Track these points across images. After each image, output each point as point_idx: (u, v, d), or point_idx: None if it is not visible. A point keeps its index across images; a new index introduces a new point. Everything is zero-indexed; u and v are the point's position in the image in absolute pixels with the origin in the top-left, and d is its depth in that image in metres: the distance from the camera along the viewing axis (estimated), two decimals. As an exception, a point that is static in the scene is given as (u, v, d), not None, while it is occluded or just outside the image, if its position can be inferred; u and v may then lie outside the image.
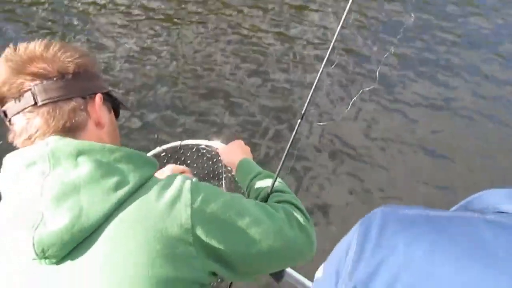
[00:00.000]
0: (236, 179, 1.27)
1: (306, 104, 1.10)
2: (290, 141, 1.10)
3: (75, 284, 0.72)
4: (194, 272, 0.77)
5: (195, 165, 1.55)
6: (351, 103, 3.86)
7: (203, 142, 1.51)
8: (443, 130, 3.91)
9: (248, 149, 1.33)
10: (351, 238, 0.56)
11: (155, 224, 0.74)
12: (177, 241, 0.75)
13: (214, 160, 1.57)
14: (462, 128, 3.96)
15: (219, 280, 1.49)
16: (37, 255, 0.71)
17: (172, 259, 0.74)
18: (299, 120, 1.12)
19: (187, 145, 1.52)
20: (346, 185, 3.39)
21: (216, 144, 1.48)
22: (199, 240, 0.77)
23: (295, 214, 0.97)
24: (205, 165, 1.60)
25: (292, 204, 1.02)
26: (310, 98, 1.08)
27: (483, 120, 4.04)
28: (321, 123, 3.72)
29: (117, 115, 0.99)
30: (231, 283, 1.29)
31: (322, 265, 0.66)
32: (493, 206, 0.48)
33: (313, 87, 1.08)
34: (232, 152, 1.32)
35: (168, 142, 1.55)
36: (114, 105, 0.97)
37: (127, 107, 1.03)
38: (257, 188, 1.10)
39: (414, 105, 4.16)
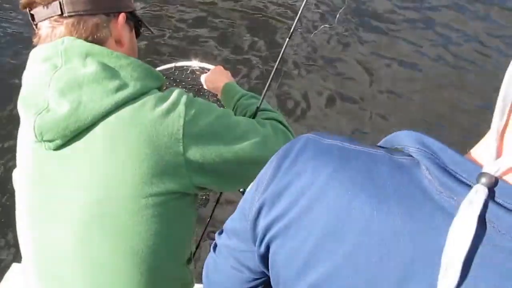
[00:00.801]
0: (222, 102, 1.29)
1: (294, 23, 1.04)
2: (278, 60, 1.07)
3: (66, 171, 0.80)
4: (180, 181, 0.81)
5: (190, 86, 1.62)
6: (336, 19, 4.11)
7: (196, 64, 1.54)
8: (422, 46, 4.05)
9: (228, 73, 1.36)
10: (273, 159, 0.58)
11: (147, 129, 0.78)
12: (166, 149, 0.79)
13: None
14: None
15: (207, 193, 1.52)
16: (36, 137, 0.79)
17: (159, 165, 0.79)
18: (287, 39, 1.08)
19: (182, 66, 1.58)
20: (333, 107, 3.55)
21: (209, 66, 1.50)
22: (188, 151, 0.81)
23: (281, 129, 1.01)
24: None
25: (278, 121, 1.04)
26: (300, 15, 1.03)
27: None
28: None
29: (137, 34, 1.02)
30: (219, 196, 1.32)
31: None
32: (402, 147, 0.50)
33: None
34: (215, 79, 1.35)
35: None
36: (136, 24, 1.00)
37: (149, 28, 1.06)
38: (244, 108, 1.12)
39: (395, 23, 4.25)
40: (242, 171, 0.90)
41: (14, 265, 1.87)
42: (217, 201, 1.33)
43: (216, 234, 0.70)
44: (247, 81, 3.66)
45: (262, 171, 0.60)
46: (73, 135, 0.79)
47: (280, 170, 0.54)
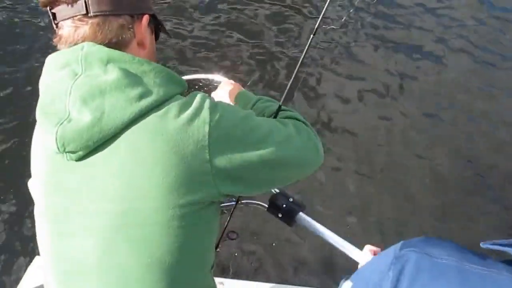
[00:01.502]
0: None
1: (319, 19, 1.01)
2: (301, 58, 1.04)
3: (89, 182, 0.78)
4: (207, 190, 0.80)
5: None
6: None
7: (204, 76, 1.50)
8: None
9: (238, 85, 1.33)
10: (382, 277, 0.57)
11: (172, 138, 0.76)
12: (192, 157, 0.77)
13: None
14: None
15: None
16: (58, 148, 0.76)
17: (186, 174, 0.77)
18: (311, 36, 1.05)
19: (190, 79, 1.50)
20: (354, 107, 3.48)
21: (216, 77, 1.47)
22: (215, 157, 0.79)
23: (304, 127, 0.99)
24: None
25: (299, 119, 1.03)
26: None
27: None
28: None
29: (156, 38, 1.00)
30: (238, 198, 1.31)
31: (349, 282, 0.66)
32: None
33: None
34: (225, 92, 1.30)
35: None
36: (156, 28, 0.98)
37: (168, 33, 1.05)
38: (261, 110, 1.09)
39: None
40: (268, 174, 0.89)
41: (37, 259, 1.89)
42: (237, 201, 1.31)
43: None
44: (268, 81, 3.62)
45: (366, 284, 0.60)
46: (97, 146, 0.77)
47: None
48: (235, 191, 0.86)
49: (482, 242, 0.56)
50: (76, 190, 0.80)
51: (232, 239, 1.47)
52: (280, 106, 1.04)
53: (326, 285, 1.59)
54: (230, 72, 3.56)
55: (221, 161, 0.80)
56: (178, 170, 0.76)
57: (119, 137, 0.77)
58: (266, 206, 1.36)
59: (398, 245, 0.61)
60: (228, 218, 1.34)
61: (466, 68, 3.91)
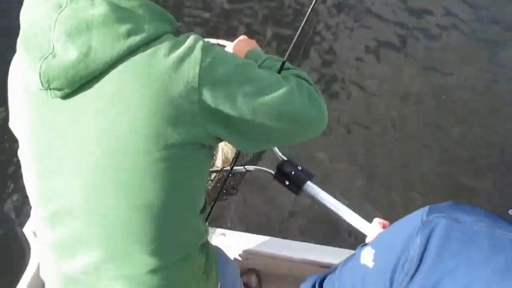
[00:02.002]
0: None
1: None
2: (305, 18, 0.96)
3: (75, 121, 0.75)
4: (195, 132, 0.77)
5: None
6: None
7: (212, 40, 1.41)
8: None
9: (253, 42, 1.26)
10: (409, 242, 0.54)
11: (161, 77, 0.73)
12: (181, 98, 0.74)
13: None
14: None
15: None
16: (42, 85, 0.73)
17: (174, 115, 0.74)
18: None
19: None
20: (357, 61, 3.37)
21: (225, 42, 1.40)
22: (204, 100, 0.76)
23: (306, 85, 0.92)
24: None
25: (303, 78, 0.96)
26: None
27: None
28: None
29: None
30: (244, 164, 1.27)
31: (370, 249, 0.63)
32: None
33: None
34: (238, 48, 1.24)
35: None
36: None
37: None
38: (267, 68, 1.02)
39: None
40: (263, 127, 0.83)
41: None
42: (237, 157, 1.27)
43: None
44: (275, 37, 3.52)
45: (391, 250, 0.56)
46: (82, 83, 0.74)
47: (424, 263, 0.51)
48: (224, 135, 0.82)
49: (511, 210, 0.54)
50: (61, 130, 0.77)
51: (232, 195, 1.46)
52: (284, 63, 0.97)
53: (329, 243, 1.59)
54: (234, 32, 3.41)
55: (211, 104, 0.76)
56: (165, 111, 0.73)
57: (105, 75, 0.73)
58: (273, 172, 1.32)
59: (425, 209, 0.58)
60: (229, 173, 1.30)
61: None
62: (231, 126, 0.80)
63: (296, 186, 1.26)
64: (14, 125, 0.87)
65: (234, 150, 1.32)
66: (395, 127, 3.10)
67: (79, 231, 0.82)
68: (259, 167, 1.36)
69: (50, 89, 0.74)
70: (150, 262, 0.84)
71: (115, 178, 0.76)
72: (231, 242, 1.59)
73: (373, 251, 0.62)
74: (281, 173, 1.28)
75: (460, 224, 0.51)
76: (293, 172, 1.27)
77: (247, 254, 1.61)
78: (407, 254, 0.54)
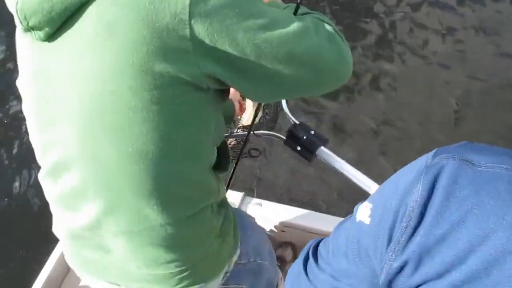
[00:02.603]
0: None
1: None
2: None
3: (61, 64, 0.71)
4: (188, 70, 0.69)
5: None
6: None
7: None
8: None
9: None
10: (409, 189, 0.44)
11: (145, 8, 0.65)
12: (168, 32, 0.66)
13: None
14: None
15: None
16: (21, 23, 0.70)
17: (161, 51, 0.66)
18: None
19: None
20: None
21: None
22: (197, 35, 0.67)
23: (326, 25, 0.78)
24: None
25: (323, 20, 0.81)
26: None
27: None
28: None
29: None
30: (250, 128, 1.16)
31: (367, 204, 0.53)
32: None
33: None
34: None
35: None
36: None
37: None
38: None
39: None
40: (269, 71, 0.71)
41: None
42: (253, 122, 1.16)
43: (310, 254, 0.61)
44: None
45: (388, 202, 0.47)
46: (62, 20, 0.69)
47: (427, 215, 0.41)
48: (221, 75, 0.71)
49: None
50: (52, 77, 0.73)
51: (254, 157, 1.39)
52: (298, 5, 0.83)
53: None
54: None
55: (204, 38, 0.67)
56: (151, 45, 0.66)
57: (86, 10, 0.67)
58: (284, 138, 1.21)
59: (431, 152, 0.46)
60: (241, 147, 1.20)
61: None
62: (232, 68, 0.70)
63: (309, 152, 1.16)
64: (19, 81, 0.83)
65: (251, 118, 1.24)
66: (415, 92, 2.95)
67: (78, 184, 0.78)
68: (268, 132, 1.27)
69: (31, 30, 0.70)
70: (150, 217, 0.78)
71: (105, 122, 0.70)
72: (267, 213, 1.53)
73: (370, 205, 0.51)
74: (293, 137, 1.18)
75: (474, 166, 0.41)
76: (305, 137, 1.16)
77: (283, 226, 1.54)
78: (405, 206, 0.44)
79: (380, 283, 0.47)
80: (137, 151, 0.71)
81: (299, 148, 1.17)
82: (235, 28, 0.67)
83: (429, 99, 2.94)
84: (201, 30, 0.66)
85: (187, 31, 0.66)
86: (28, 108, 0.81)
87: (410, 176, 0.45)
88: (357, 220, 0.52)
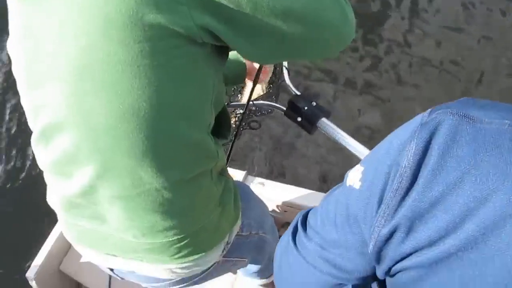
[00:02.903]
0: None
1: None
2: None
3: (52, 19, 0.67)
4: (180, 22, 0.64)
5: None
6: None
7: None
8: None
9: None
10: (402, 149, 0.41)
11: None
12: None
13: None
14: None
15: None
16: None
17: (154, 5, 0.62)
18: None
19: None
20: None
21: None
22: None
23: None
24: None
25: None
26: None
27: None
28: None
29: None
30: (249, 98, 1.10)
31: (359, 167, 0.50)
32: None
33: None
34: None
35: None
36: None
37: None
38: None
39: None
40: (266, 27, 0.68)
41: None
42: (248, 102, 1.13)
43: (299, 224, 0.59)
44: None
45: (380, 164, 0.44)
46: None
47: (421, 176, 0.38)
48: (222, 32, 0.68)
49: None
50: (39, 31, 0.70)
51: (254, 129, 1.37)
52: None
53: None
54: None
55: None
56: None
57: None
58: (284, 108, 1.19)
59: (428, 110, 0.42)
60: (241, 118, 1.18)
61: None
62: (228, 21, 0.67)
63: (309, 123, 1.13)
64: (8, 42, 0.79)
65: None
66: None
67: (69, 146, 0.75)
68: (268, 102, 1.24)
69: None
70: (145, 180, 0.75)
71: (94, 78, 0.67)
72: (270, 193, 1.52)
73: (362, 168, 0.48)
74: (293, 108, 1.15)
75: (474, 122, 0.37)
76: (306, 107, 1.14)
77: (286, 206, 1.53)
78: (397, 167, 0.41)
79: (369, 252, 0.44)
80: (128, 108, 0.68)
81: (299, 119, 1.14)
82: None
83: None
84: None
85: None
86: (17, 69, 0.77)
87: (404, 136, 0.42)
88: (347, 185, 0.49)
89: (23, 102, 0.80)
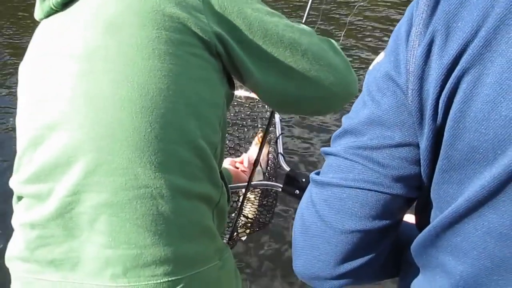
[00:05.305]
0: None
1: None
2: None
3: (73, 19, 0.72)
4: (197, 23, 0.70)
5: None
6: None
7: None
8: None
9: None
10: (412, 9, 0.44)
11: None
12: None
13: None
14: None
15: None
16: None
17: (175, 3, 0.69)
18: None
19: None
20: None
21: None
22: (209, 3, 0.71)
23: (332, 41, 0.85)
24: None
25: (330, 40, 0.87)
26: None
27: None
28: None
29: None
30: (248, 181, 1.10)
31: (381, 54, 0.51)
32: None
33: None
34: None
35: None
36: None
37: None
38: None
39: None
40: (270, 50, 0.74)
41: None
42: (248, 183, 1.11)
43: (314, 175, 0.54)
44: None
45: (399, 34, 0.45)
46: None
47: None
48: (233, 49, 0.73)
49: None
50: (59, 32, 0.73)
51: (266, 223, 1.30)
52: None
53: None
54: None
55: (216, 6, 0.71)
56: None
57: None
58: (281, 186, 1.16)
59: None
60: (241, 201, 1.14)
61: None
62: (239, 41, 0.73)
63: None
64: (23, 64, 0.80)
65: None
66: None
67: (66, 139, 0.68)
68: (265, 182, 1.22)
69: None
70: (141, 180, 0.66)
71: (106, 57, 0.67)
72: None
73: (384, 51, 0.49)
74: (290, 181, 1.13)
75: None
76: (303, 180, 1.12)
77: None
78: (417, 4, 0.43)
79: (410, 101, 0.42)
80: (137, 88, 0.66)
81: (297, 192, 1.11)
82: (245, 4, 0.73)
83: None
84: (214, 3, 0.71)
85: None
86: (22, 85, 0.77)
87: None
88: (371, 69, 0.49)
89: (21, 101, 0.77)
